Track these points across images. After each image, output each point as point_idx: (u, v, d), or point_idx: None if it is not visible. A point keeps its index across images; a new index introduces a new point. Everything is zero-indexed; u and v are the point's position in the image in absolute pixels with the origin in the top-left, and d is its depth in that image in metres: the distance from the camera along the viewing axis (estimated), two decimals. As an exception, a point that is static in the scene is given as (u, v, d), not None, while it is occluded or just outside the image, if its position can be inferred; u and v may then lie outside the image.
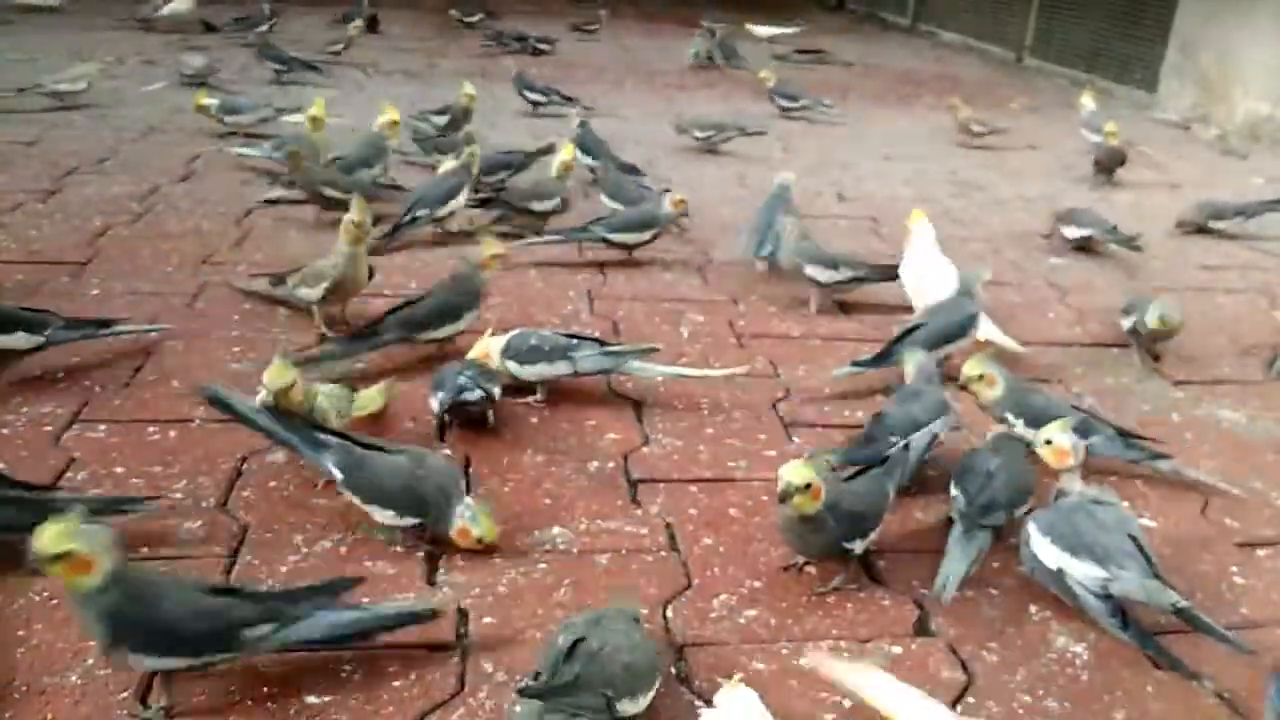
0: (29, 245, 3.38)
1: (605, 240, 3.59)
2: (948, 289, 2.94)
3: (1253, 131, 6.75)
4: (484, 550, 1.95)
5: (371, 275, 2.93)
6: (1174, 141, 6.66)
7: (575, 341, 2.59)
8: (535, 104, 6.00)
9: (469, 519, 1.93)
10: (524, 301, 3.21)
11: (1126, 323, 3.02)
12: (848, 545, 1.90)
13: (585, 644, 1.53)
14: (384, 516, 1.95)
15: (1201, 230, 4.43)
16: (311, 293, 2.82)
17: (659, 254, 3.68)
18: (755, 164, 5.10)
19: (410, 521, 1.95)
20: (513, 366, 2.54)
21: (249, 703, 1.56)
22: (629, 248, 3.62)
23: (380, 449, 2.00)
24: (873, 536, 1.95)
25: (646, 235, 3.60)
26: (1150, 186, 5.21)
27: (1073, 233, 4.08)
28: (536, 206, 3.78)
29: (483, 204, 3.87)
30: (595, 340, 2.63)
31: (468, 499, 1.96)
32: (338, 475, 1.96)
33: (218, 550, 1.91)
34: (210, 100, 4.88)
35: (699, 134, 5.32)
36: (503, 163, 4.30)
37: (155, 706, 1.53)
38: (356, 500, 1.96)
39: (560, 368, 2.55)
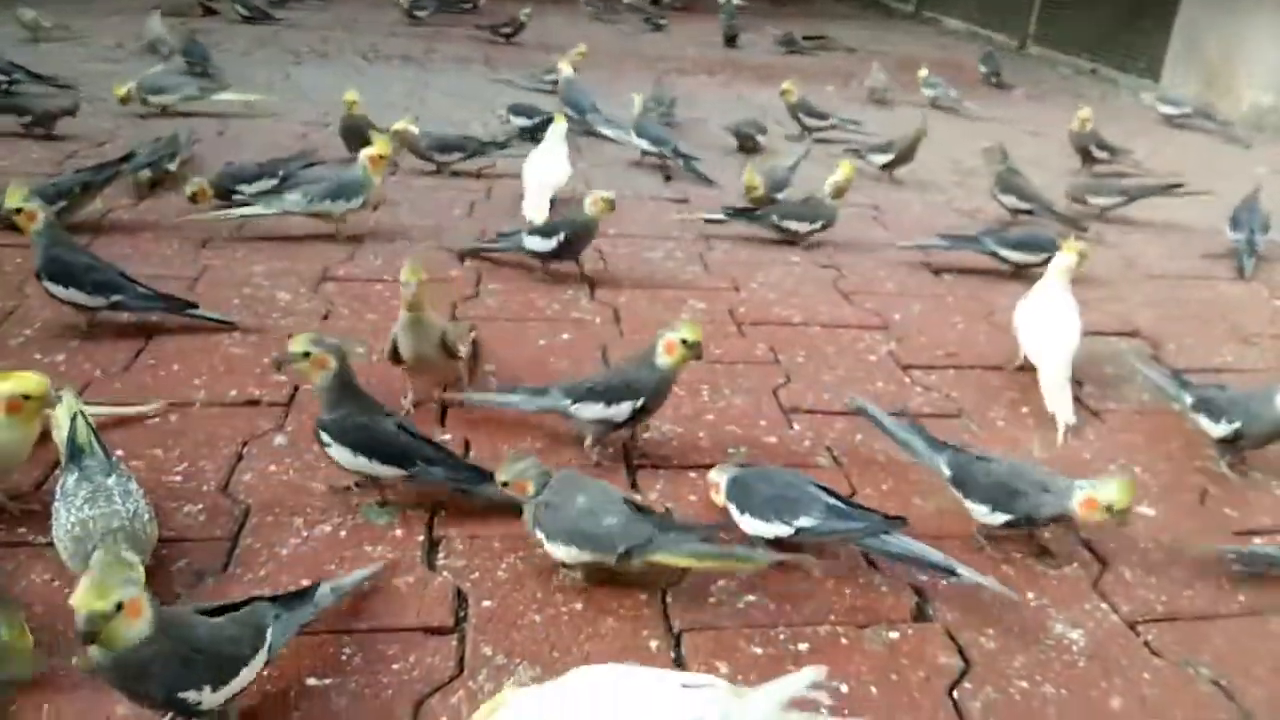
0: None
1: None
2: (561, 173, 3.74)
3: (1257, 121, 6.73)
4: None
5: (476, 356, 2.49)
6: (1177, 130, 6.64)
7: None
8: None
9: (1094, 489, 1.89)
10: (524, 289, 3.20)
11: (1217, 430, 2.40)
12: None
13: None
14: (979, 512, 2.02)
15: (1080, 203, 4.47)
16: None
17: (659, 239, 3.68)
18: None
19: (1003, 518, 1.99)
20: None
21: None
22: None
23: (982, 458, 2.10)
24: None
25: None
26: (1152, 177, 5.19)
27: (1010, 202, 4.23)
28: (795, 226, 3.79)
29: (746, 217, 3.83)
30: None
31: (1079, 481, 1.93)
32: (947, 473, 2.10)
33: (218, 533, 1.92)
34: (128, 85, 4.83)
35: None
36: (454, 144, 4.39)
37: None
38: (959, 495, 2.07)
39: None
